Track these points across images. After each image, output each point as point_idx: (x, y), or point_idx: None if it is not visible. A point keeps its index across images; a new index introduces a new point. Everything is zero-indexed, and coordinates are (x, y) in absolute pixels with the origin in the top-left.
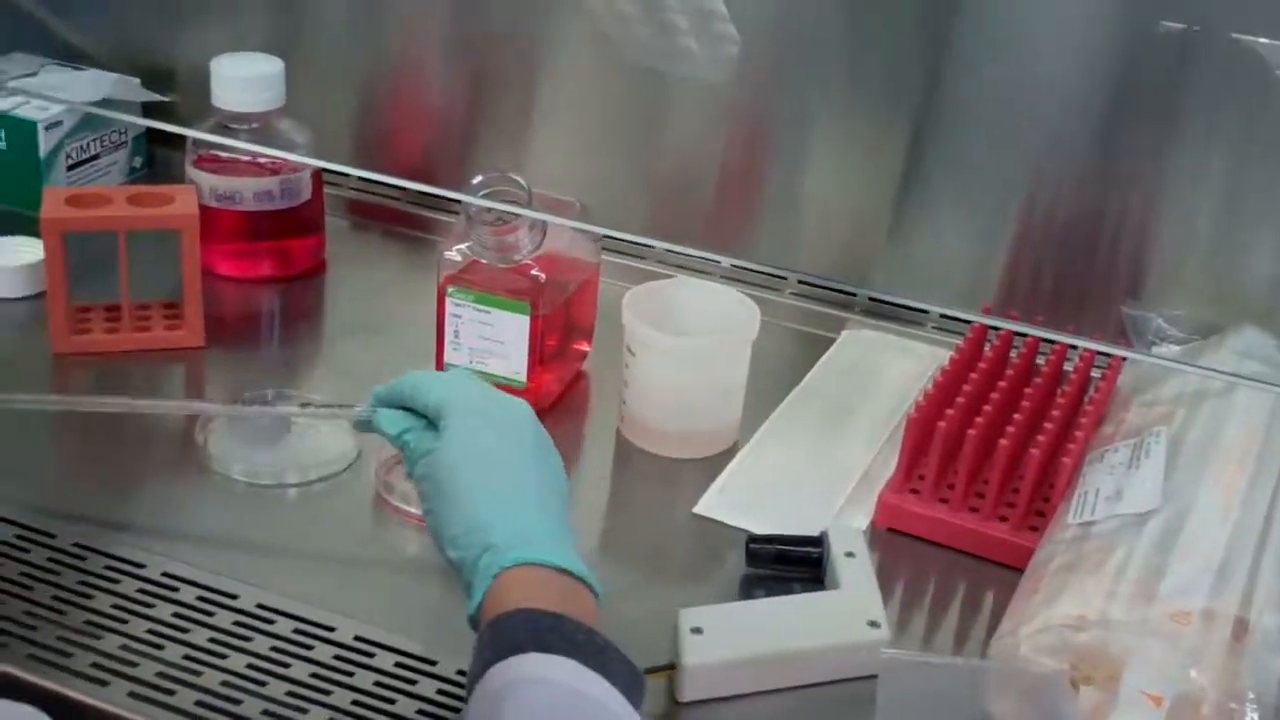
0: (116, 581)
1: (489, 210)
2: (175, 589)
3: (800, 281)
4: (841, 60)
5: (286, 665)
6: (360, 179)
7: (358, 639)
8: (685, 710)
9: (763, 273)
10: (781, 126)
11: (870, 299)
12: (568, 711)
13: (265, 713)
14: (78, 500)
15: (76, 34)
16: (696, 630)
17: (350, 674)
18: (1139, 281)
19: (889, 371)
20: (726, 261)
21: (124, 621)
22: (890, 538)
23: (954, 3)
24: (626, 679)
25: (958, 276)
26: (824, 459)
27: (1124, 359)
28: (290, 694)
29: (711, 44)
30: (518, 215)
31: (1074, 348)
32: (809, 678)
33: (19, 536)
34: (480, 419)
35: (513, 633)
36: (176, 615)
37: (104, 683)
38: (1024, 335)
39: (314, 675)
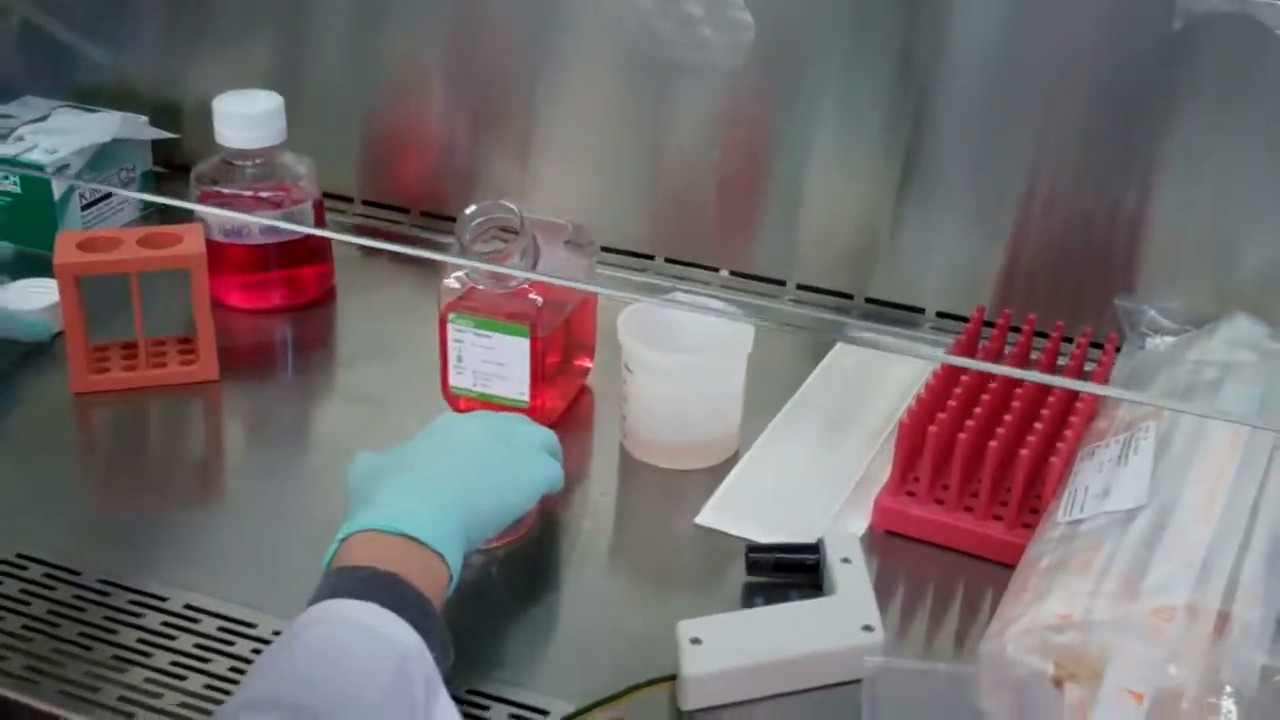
0: (140, 615)
1: (481, 238)
2: (197, 620)
3: (798, 287)
4: (836, 66)
5: None
6: (364, 206)
7: None
8: (689, 718)
9: (761, 279)
10: (777, 135)
11: (867, 301)
12: (361, 645)
13: None
14: (102, 537)
15: (85, 75)
16: (695, 641)
17: None
18: (1134, 275)
19: (887, 375)
20: (725, 270)
21: (148, 655)
22: (889, 540)
23: (945, 6)
24: (437, 638)
25: (954, 277)
26: (823, 464)
27: (1117, 352)
28: None
29: (727, 31)
30: (508, 243)
31: (1068, 340)
32: (807, 682)
33: (46, 575)
34: (434, 432)
35: (331, 582)
36: (198, 646)
37: (130, 715)
38: (1017, 331)
39: None
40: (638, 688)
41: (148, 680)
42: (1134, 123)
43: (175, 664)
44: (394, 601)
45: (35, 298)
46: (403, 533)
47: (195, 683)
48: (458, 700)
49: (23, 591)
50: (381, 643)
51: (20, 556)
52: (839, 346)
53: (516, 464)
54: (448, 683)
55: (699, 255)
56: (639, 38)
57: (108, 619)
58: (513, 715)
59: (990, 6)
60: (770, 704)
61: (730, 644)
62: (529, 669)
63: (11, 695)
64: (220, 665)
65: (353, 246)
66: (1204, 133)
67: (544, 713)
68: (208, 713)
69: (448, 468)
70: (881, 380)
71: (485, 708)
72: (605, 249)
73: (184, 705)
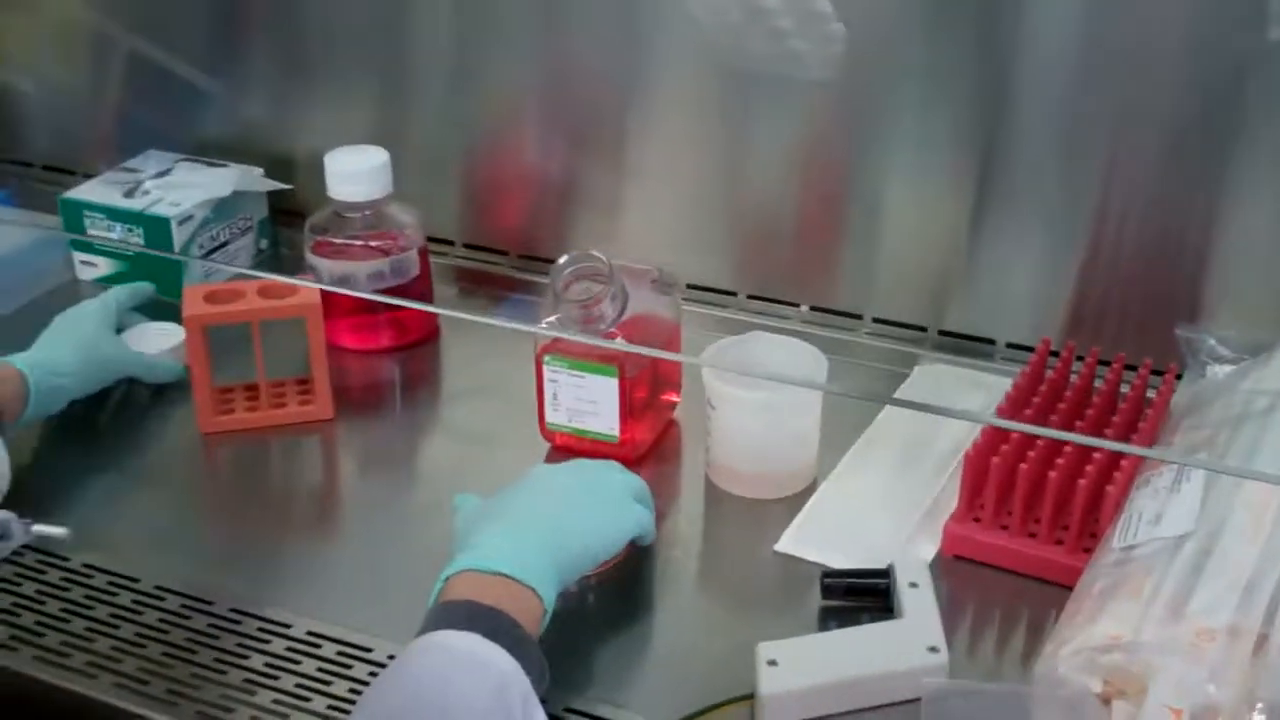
0: (267, 642)
1: (572, 288)
2: (318, 646)
3: (874, 320)
4: (912, 96)
5: None
6: (465, 249)
7: None
8: None
9: (839, 313)
10: (854, 172)
11: (940, 333)
12: (461, 670)
13: None
14: (230, 568)
15: (204, 129)
16: (772, 662)
17: None
18: (1197, 304)
19: (960, 403)
20: (805, 305)
21: (275, 678)
22: (957, 564)
23: (1018, 36)
24: (534, 661)
25: (1025, 308)
26: (895, 493)
27: (1178, 380)
28: None
29: (818, 43)
30: (598, 291)
31: (1132, 368)
32: (876, 700)
33: (183, 606)
34: (529, 479)
35: (435, 616)
36: (320, 670)
37: None
38: (1081, 359)
39: None
40: (718, 706)
41: (275, 702)
42: (1201, 152)
43: (300, 686)
44: (491, 630)
45: (161, 340)
46: (498, 571)
47: (318, 704)
48: (554, 717)
49: (162, 621)
50: (480, 667)
51: (158, 588)
52: (913, 377)
53: (605, 510)
54: (544, 702)
55: (779, 291)
56: (729, 53)
57: (239, 645)
58: None
59: (1064, 36)
60: None
61: (804, 665)
62: (619, 687)
63: (156, 717)
64: (340, 688)
65: (455, 286)
66: (1270, 160)
67: None
68: None
69: (540, 512)
70: (955, 406)
71: None
72: (689, 286)
73: None
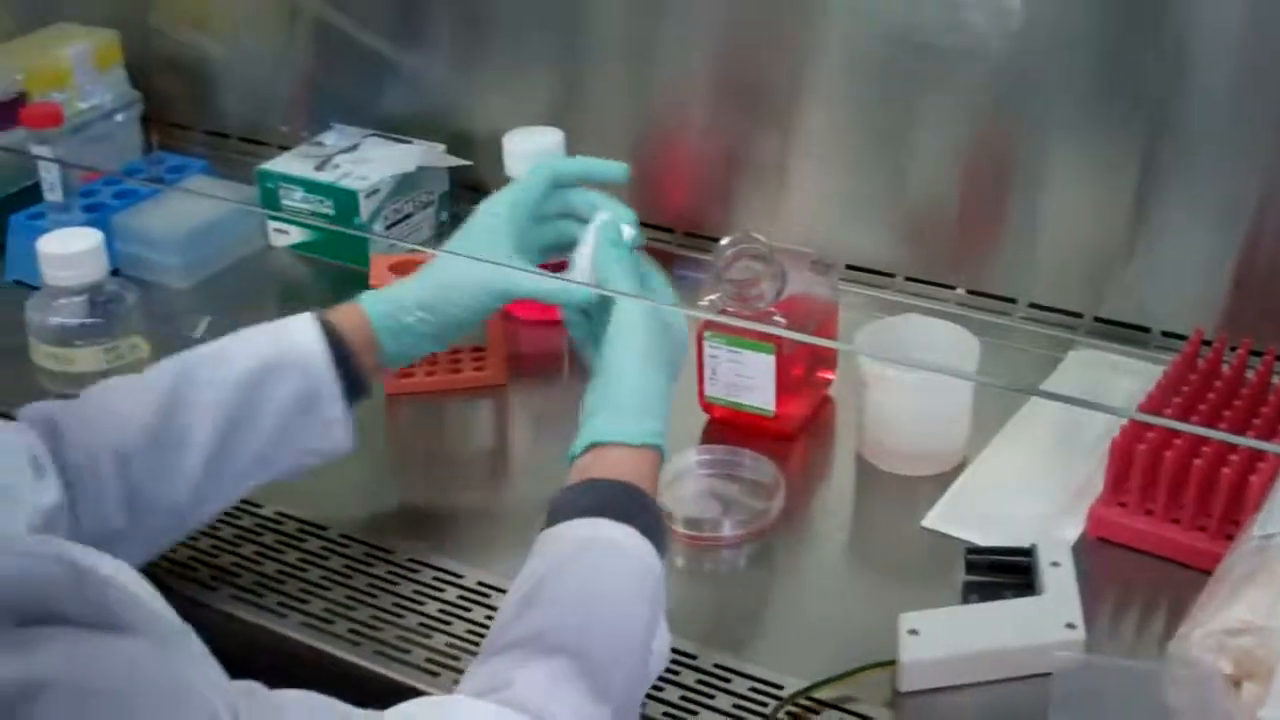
0: (441, 590)
1: (733, 267)
2: (487, 595)
3: (1030, 305)
4: (1079, 84)
5: None
6: None
7: None
8: (904, 699)
9: (996, 296)
10: (1018, 154)
11: (1096, 320)
12: (626, 575)
13: None
14: (410, 521)
15: (389, 106)
16: (913, 632)
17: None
18: None
19: (1114, 389)
20: (962, 289)
21: (448, 624)
22: (1100, 547)
23: (1187, 24)
24: (659, 532)
25: (1182, 297)
26: (1043, 474)
27: None
28: None
29: (995, 17)
30: (758, 271)
31: None
32: (1012, 673)
33: (366, 554)
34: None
35: (574, 498)
36: (488, 618)
37: (435, 674)
38: (1235, 350)
39: None
40: (861, 670)
41: (449, 645)
42: None
43: (470, 633)
44: (625, 512)
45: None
46: (615, 441)
47: None
48: (704, 673)
49: (346, 567)
50: (623, 557)
51: (344, 536)
52: (1066, 363)
53: (667, 336)
54: (694, 657)
55: (937, 273)
56: (902, 25)
57: (415, 592)
58: (752, 688)
59: (1231, 26)
60: (978, 690)
61: (944, 635)
62: (768, 648)
63: (339, 654)
64: None
65: None
66: None
67: (779, 687)
68: None
69: (628, 370)
70: (1106, 394)
71: (728, 680)
72: (849, 267)
73: None
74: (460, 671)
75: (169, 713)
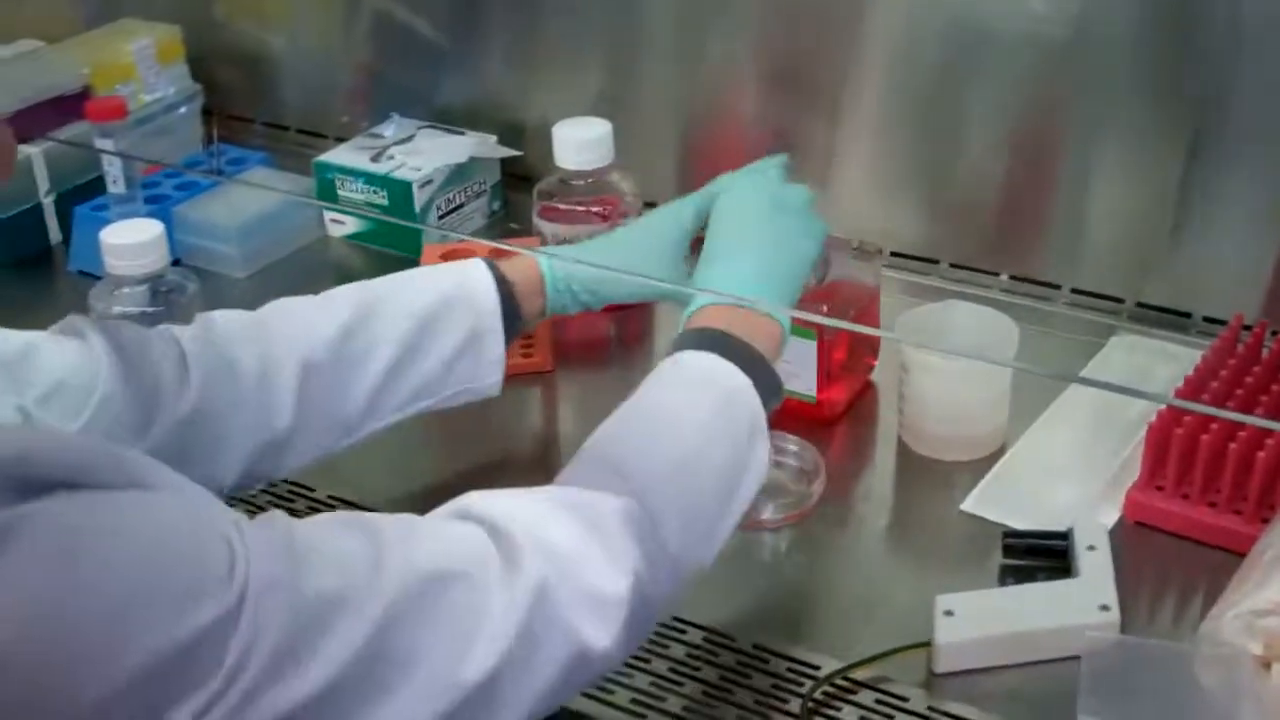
0: None
1: None
2: (683, 632)
3: (1073, 290)
4: (1126, 71)
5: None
6: None
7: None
8: (940, 680)
9: (1039, 282)
10: (1064, 141)
11: (1138, 305)
12: (694, 383)
13: None
14: None
15: (443, 98)
16: (949, 613)
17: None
18: None
19: (1153, 374)
20: (1005, 275)
21: (646, 661)
22: (1137, 531)
23: (1235, 18)
24: (765, 378)
25: (1225, 283)
26: (1082, 458)
27: None
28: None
29: (1055, 3)
30: None
31: None
32: (1046, 654)
33: None
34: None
35: (679, 343)
36: (690, 656)
37: (643, 715)
38: (1276, 334)
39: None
40: (896, 651)
41: (652, 684)
42: None
43: (672, 670)
44: (723, 351)
45: None
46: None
47: (693, 689)
48: (742, 653)
49: None
50: (709, 383)
51: None
52: (1107, 348)
53: (799, 224)
54: (733, 639)
55: (981, 259)
56: (961, 6)
57: None
58: (789, 668)
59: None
60: (1012, 671)
61: (979, 616)
62: (806, 630)
63: None
64: (711, 674)
65: None
66: None
67: (815, 667)
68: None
69: (750, 242)
70: (1146, 380)
71: (766, 660)
72: (894, 254)
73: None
74: (664, 713)
75: (188, 530)
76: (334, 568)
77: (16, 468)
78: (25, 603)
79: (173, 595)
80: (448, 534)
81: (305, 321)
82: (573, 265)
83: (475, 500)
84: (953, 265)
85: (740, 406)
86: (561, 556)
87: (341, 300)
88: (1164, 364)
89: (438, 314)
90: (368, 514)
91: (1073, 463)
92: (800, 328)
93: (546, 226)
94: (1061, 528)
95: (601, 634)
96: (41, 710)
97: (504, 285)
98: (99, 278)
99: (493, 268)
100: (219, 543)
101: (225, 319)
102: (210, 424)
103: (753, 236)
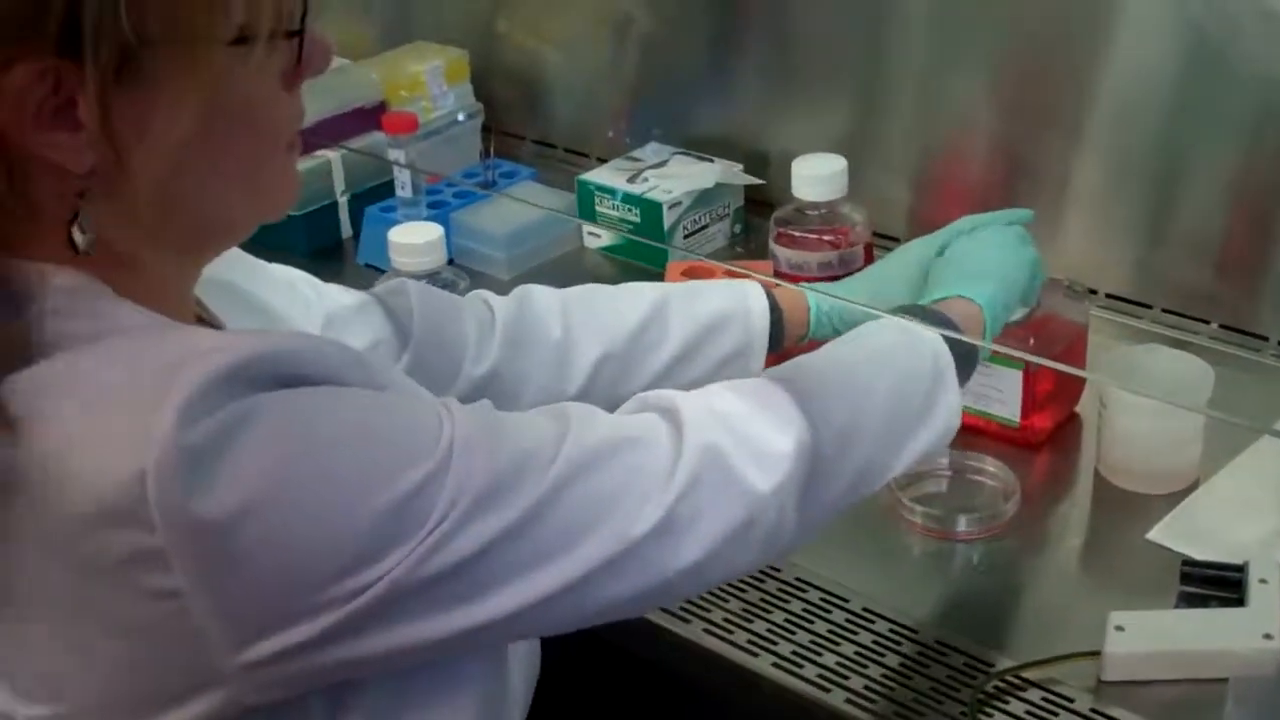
0: (829, 611)
1: None
2: (872, 622)
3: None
4: None
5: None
6: None
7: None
8: (1105, 687)
9: (1247, 332)
10: None
11: None
12: (903, 337)
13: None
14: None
15: (696, 127)
16: (1120, 628)
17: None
18: None
19: None
20: (1215, 323)
21: (836, 644)
22: None
23: None
24: (960, 348)
25: None
26: (1271, 499)
27: None
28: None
29: None
30: None
31: None
32: (1207, 673)
33: (761, 572)
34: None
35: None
36: (875, 643)
37: (827, 689)
38: None
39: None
40: (1068, 657)
41: (838, 664)
42: None
43: (858, 654)
44: (923, 316)
45: None
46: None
47: (874, 672)
48: (924, 645)
49: None
50: (917, 340)
51: None
52: None
53: (1022, 254)
54: (915, 631)
55: (1193, 307)
56: (1215, 46)
57: (805, 610)
58: (965, 662)
59: None
60: (1174, 686)
61: (1147, 633)
62: (986, 631)
63: None
64: (891, 660)
65: None
66: None
67: (990, 664)
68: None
69: (999, 258)
70: None
71: (945, 654)
72: (1108, 295)
73: (867, 689)
74: (851, 691)
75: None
76: (526, 434)
77: (271, 365)
78: (264, 472)
79: (394, 457)
80: (626, 418)
81: (613, 309)
82: (833, 300)
83: (651, 393)
84: (1164, 310)
85: (923, 344)
86: (729, 416)
87: (644, 295)
88: None
89: (718, 324)
90: (559, 404)
91: (1259, 504)
92: (1005, 359)
93: (781, 252)
94: (1238, 561)
95: (765, 480)
96: (287, 551)
97: (774, 311)
98: (383, 270)
99: (768, 294)
100: (431, 415)
101: (541, 293)
102: (509, 382)
103: (994, 268)
